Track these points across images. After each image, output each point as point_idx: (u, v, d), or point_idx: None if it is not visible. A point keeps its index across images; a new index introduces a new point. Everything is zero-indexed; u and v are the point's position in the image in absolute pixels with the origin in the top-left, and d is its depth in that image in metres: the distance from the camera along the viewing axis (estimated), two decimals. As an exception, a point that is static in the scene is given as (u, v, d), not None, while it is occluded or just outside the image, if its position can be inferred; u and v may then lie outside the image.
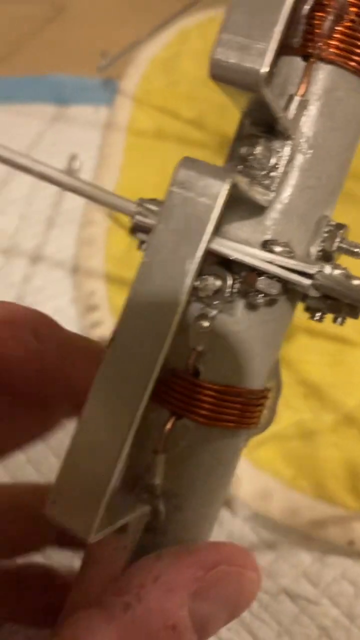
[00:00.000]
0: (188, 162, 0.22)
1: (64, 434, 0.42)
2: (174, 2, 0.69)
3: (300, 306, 0.30)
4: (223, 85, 0.23)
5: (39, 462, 0.43)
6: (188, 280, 0.22)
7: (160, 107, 0.72)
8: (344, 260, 0.29)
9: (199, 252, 0.22)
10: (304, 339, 0.50)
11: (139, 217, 0.28)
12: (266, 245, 0.25)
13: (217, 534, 0.41)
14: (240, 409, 0.29)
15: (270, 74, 0.21)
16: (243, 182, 0.22)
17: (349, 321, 0.51)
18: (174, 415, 0.29)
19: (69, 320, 0.53)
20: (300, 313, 0.50)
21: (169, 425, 0.29)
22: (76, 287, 0.55)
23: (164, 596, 0.24)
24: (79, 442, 0.23)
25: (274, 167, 0.26)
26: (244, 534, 0.41)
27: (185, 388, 0.28)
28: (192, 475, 0.29)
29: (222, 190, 0.22)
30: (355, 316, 0.30)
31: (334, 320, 0.31)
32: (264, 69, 0.21)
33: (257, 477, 0.42)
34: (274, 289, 0.25)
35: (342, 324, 0.31)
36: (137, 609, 0.23)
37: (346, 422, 0.46)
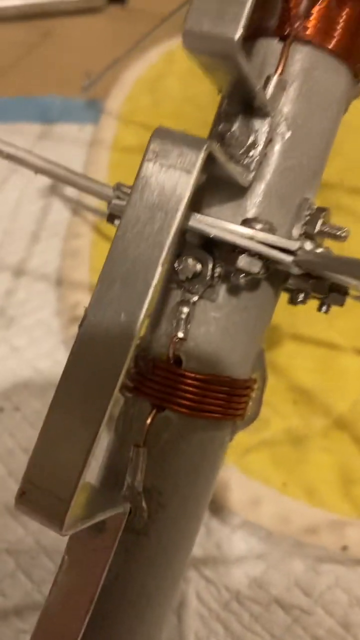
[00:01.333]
0: (162, 132, 0.22)
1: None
2: (155, 24, 0.69)
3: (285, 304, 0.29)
4: (198, 57, 0.22)
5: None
6: (164, 253, 0.21)
7: (145, 125, 0.73)
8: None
9: (175, 222, 0.21)
10: (292, 345, 0.49)
11: (115, 201, 0.28)
12: (246, 223, 0.24)
13: (206, 543, 0.39)
14: (225, 399, 0.28)
15: (244, 39, 0.21)
16: (219, 151, 0.22)
17: (337, 326, 0.50)
18: (155, 407, 0.28)
19: (52, 332, 0.52)
20: (286, 318, 0.50)
21: (150, 418, 0.27)
22: (60, 299, 0.54)
23: None
24: (48, 431, 0.22)
25: (253, 145, 0.25)
26: (233, 543, 0.39)
27: (166, 378, 0.27)
28: (175, 471, 0.28)
29: (198, 158, 0.21)
30: (341, 302, 0.29)
31: (319, 307, 0.30)
32: (238, 33, 0.21)
33: (246, 484, 0.40)
34: (256, 267, 0.24)
35: (327, 312, 0.30)
36: None
37: (337, 426, 0.44)
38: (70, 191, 0.65)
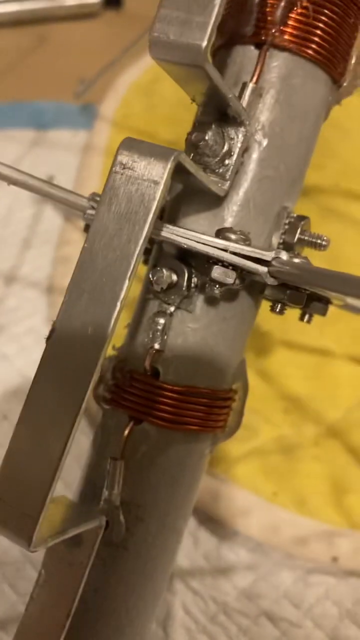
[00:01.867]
0: (129, 143, 0.21)
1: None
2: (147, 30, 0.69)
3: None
4: (166, 66, 0.22)
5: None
6: (132, 264, 0.20)
7: (139, 129, 0.72)
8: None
9: (143, 234, 0.20)
10: (283, 353, 0.48)
11: (90, 212, 0.27)
12: (221, 233, 0.24)
13: (193, 555, 0.39)
14: (205, 410, 0.27)
15: (211, 47, 0.21)
16: (188, 161, 0.21)
17: (329, 333, 0.50)
18: (132, 420, 0.27)
19: (42, 340, 0.51)
20: (278, 325, 0.49)
21: (127, 430, 0.27)
22: (51, 305, 0.53)
23: None
24: (16, 446, 0.21)
25: (228, 154, 0.25)
26: (221, 554, 0.39)
27: (144, 390, 0.27)
28: (154, 483, 0.27)
29: (166, 169, 0.21)
30: (323, 312, 0.29)
31: (301, 317, 0.29)
32: (205, 42, 0.20)
33: (236, 494, 0.40)
34: (230, 277, 0.24)
35: (309, 321, 0.29)
36: None
37: (328, 435, 0.44)
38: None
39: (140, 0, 0.66)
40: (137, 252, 0.21)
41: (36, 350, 0.51)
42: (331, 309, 0.44)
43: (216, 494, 0.40)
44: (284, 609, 0.37)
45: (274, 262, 0.24)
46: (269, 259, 0.24)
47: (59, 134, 0.74)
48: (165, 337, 0.26)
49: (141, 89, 0.78)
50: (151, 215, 0.21)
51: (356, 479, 0.41)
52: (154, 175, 0.21)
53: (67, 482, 0.35)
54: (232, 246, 0.23)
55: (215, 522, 0.40)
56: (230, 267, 0.24)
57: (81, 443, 0.41)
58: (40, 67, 0.89)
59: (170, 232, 0.23)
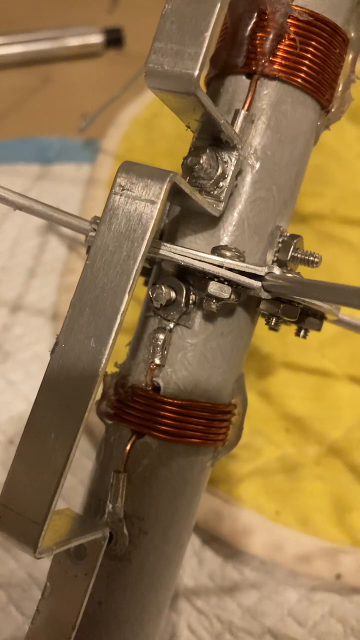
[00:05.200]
0: (127, 165, 0.23)
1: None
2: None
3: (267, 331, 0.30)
4: (161, 94, 0.23)
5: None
6: (131, 280, 0.22)
7: (140, 162, 0.75)
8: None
9: (142, 250, 0.22)
10: (285, 374, 0.49)
11: (92, 234, 0.29)
12: (216, 251, 0.25)
13: (198, 574, 0.39)
14: (205, 424, 0.28)
15: (205, 78, 0.22)
16: (183, 183, 0.23)
17: (330, 354, 0.51)
18: (134, 434, 0.28)
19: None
20: (278, 346, 0.50)
21: (129, 444, 0.28)
22: (56, 333, 0.54)
23: None
24: (22, 456, 0.22)
25: (222, 177, 0.26)
26: (226, 573, 0.39)
27: (145, 405, 0.28)
28: (156, 496, 0.28)
29: (162, 189, 0.22)
30: (318, 327, 0.30)
31: (297, 332, 0.30)
32: (197, 71, 0.22)
33: (239, 513, 0.40)
34: (225, 292, 0.25)
35: (305, 336, 0.30)
36: None
37: (330, 454, 0.44)
38: (66, 229, 0.66)
39: (141, 41, 0.69)
40: (136, 267, 0.22)
41: (41, 377, 0.52)
42: (330, 331, 0.45)
43: (220, 514, 0.40)
44: (289, 627, 0.37)
45: (267, 277, 0.25)
46: (262, 273, 0.25)
47: (63, 168, 0.76)
48: (165, 352, 0.27)
49: (142, 124, 0.80)
50: (149, 233, 0.22)
51: (358, 496, 0.42)
52: (151, 195, 0.22)
53: (73, 506, 0.35)
54: (228, 262, 0.24)
55: (219, 542, 0.40)
56: (226, 283, 0.25)
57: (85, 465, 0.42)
58: (45, 105, 0.91)
59: (168, 250, 0.25)
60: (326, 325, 0.30)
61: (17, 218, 0.68)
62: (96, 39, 0.96)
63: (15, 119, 0.89)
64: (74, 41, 0.96)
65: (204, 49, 0.22)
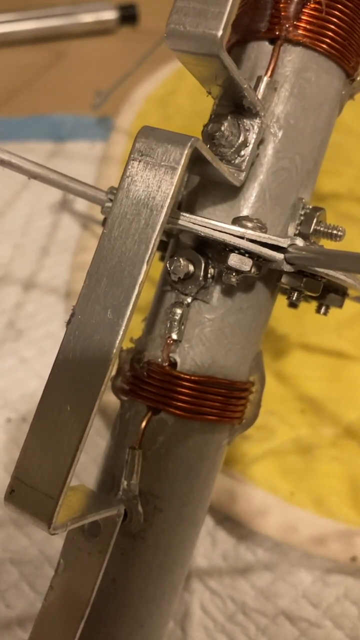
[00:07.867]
0: (147, 131, 0.22)
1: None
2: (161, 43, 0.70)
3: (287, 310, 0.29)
4: (183, 56, 0.22)
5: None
6: (150, 249, 0.21)
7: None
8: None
9: (161, 218, 0.21)
10: (301, 355, 0.48)
11: (108, 204, 0.28)
12: (237, 222, 0.24)
13: (211, 554, 0.39)
14: (222, 401, 0.27)
15: (226, 44, 0.21)
16: (205, 148, 0.22)
17: (347, 335, 0.50)
18: (150, 410, 0.27)
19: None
20: (295, 327, 0.49)
21: (145, 421, 0.27)
22: (69, 311, 0.53)
23: None
24: (36, 430, 0.22)
25: (244, 145, 0.25)
26: (239, 553, 0.38)
27: (161, 380, 0.27)
28: (172, 473, 0.27)
29: (183, 155, 0.21)
30: (340, 303, 0.29)
31: (318, 309, 0.30)
32: (221, 31, 0.21)
33: (253, 494, 0.40)
34: (246, 265, 0.24)
35: (325, 313, 0.30)
36: None
37: (347, 435, 0.44)
38: (79, 207, 0.65)
39: (156, 17, 0.68)
40: (155, 236, 0.21)
41: (54, 354, 0.51)
42: (348, 311, 0.44)
43: (234, 494, 0.40)
44: (303, 608, 0.36)
45: (290, 249, 0.24)
46: (285, 245, 0.24)
47: (77, 145, 0.75)
48: (183, 327, 0.27)
49: (157, 101, 0.79)
50: (169, 200, 0.21)
51: (375, 479, 0.41)
52: (171, 161, 0.21)
53: (86, 484, 0.35)
54: (249, 233, 0.24)
55: (233, 522, 0.40)
56: (247, 255, 0.24)
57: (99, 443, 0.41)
58: (58, 82, 0.90)
59: (187, 221, 0.24)
60: (344, 306, 0.30)
61: (31, 196, 0.67)
62: (110, 15, 0.94)
63: (28, 96, 0.88)
64: (87, 17, 0.95)
65: (228, 7, 0.21)
